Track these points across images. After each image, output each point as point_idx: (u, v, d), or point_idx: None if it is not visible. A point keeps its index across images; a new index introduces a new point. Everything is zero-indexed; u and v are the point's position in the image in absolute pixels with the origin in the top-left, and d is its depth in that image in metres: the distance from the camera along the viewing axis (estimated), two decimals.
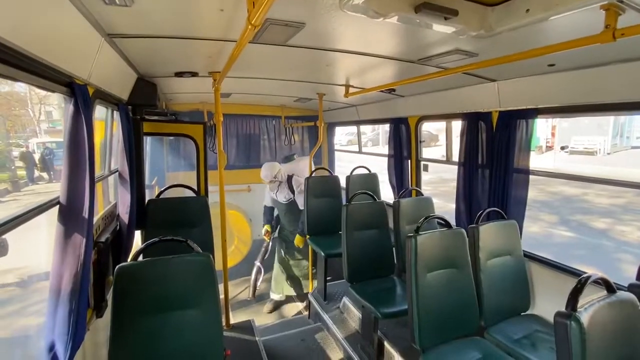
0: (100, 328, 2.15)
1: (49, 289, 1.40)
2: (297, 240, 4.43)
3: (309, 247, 4.38)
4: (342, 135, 17.67)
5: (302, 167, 4.66)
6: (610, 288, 1.44)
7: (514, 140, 2.59)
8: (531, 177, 2.60)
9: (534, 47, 1.59)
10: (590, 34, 1.32)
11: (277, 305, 4.75)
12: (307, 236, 4.17)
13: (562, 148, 15.30)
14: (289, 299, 4.85)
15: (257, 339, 2.87)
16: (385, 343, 2.84)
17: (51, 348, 1.41)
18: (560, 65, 2.05)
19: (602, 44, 1.29)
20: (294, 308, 4.75)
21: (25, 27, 1.06)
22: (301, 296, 4.83)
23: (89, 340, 1.91)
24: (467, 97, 2.87)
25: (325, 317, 3.58)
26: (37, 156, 10.48)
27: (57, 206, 1.44)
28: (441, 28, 1.44)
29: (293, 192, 4.35)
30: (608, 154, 15.11)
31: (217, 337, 1.77)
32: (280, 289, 4.71)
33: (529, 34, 1.56)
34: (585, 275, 1.39)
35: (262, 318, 4.46)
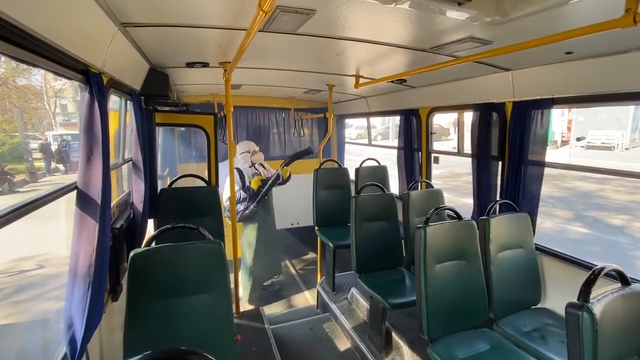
0: (116, 312, 2.22)
1: (68, 271, 1.45)
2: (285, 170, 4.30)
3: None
4: (352, 129, 17.59)
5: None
6: (624, 280, 1.42)
7: (528, 131, 2.54)
8: (545, 171, 2.54)
9: (551, 33, 1.54)
10: (610, 18, 1.28)
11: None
12: (316, 227, 4.19)
13: (578, 139, 14.83)
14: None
15: (266, 326, 2.93)
16: (393, 333, 2.85)
17: (69, 328, 1.46)
18: (578, 53, 1.99)
19: (623, 29, 1.25)
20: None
21: (44, 15, 1.09)
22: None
23: (104, 323, 1.97)
24: (480, 88, 2.81)
25: (334, 307, 3.62)
26: (53, 148, 10.73)
27: (75, 191, 1.49)
28: (454, 14, 1.41)
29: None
30: (626, 149, 14.60)
31: (228, 322, 1.81)
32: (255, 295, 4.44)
33: (546, 19, 1.52)
34: (599, 267, 1.37)
35: (270, 308, 4.51)
